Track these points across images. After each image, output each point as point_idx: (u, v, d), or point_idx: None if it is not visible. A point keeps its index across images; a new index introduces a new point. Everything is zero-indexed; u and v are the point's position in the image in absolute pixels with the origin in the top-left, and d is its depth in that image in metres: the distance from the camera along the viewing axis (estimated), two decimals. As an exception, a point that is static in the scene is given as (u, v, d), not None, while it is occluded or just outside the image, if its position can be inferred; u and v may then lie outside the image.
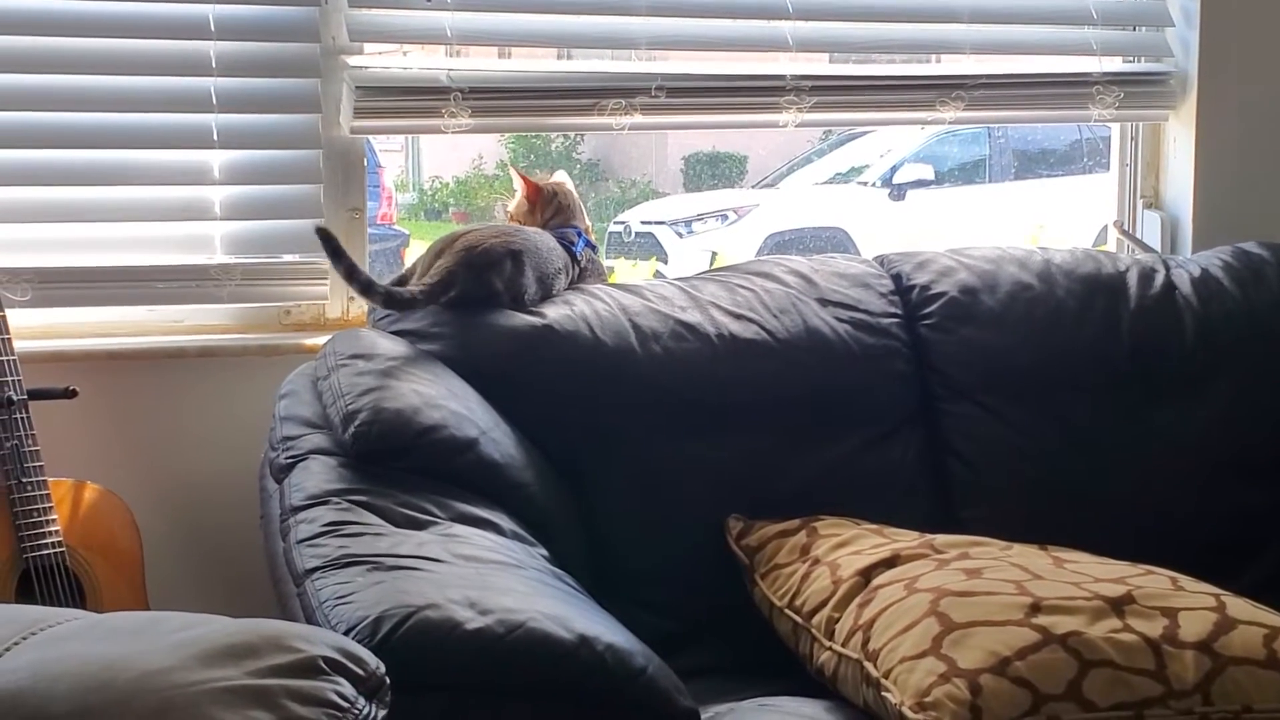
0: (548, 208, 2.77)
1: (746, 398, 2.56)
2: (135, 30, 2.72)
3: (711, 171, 6.47)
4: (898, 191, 6.20)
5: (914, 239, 2.90)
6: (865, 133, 6.31)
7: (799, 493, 2.50)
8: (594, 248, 2.79)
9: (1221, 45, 3.18)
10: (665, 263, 5.73)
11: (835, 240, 5.82)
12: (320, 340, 2.61)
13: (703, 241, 5.95)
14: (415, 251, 2.66)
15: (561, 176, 2.85)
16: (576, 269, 2.70)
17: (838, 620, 2.13)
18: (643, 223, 6.12)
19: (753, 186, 6.42)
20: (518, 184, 2.81)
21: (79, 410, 2.62)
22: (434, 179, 6.34)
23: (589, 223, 2.82)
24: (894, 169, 6.26)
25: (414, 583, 1.89)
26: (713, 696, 2.14)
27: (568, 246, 2.69)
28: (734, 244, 5.72)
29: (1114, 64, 3.20)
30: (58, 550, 2.48)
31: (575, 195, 2.81)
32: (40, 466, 2.49)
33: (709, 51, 3.09)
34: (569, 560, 2.22)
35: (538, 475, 2.36)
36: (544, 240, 2.65)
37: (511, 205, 2.82)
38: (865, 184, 6.33)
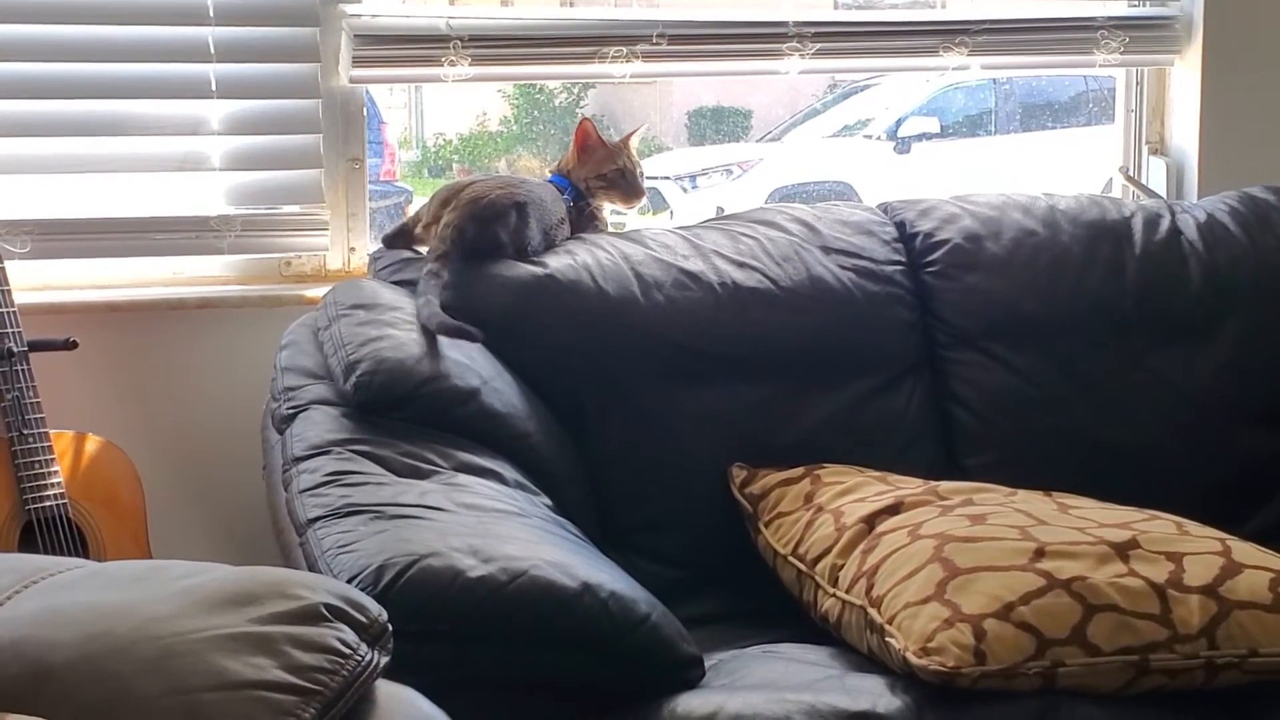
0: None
1: (749, 346, 2.54)
2: (131, -20, 2.70)
3: (716, 126, 6.42)
4: (903, 144, 6.15)
5: (920, 192, 2.88)
6: (870, 85, 6.25)
7: (802, 441, 2.50)
8: (584, 197, 2.74)
9: (1227, -12, 3.16)
10: (671, 218, 5.70)
11: (840, 194, 5.77)
12: (321, 291, 2.60)
13: (707, 196, 5.92)
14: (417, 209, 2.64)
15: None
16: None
17: (841, 567, 2.12)
18: (647, 177, 6.08)
19: (757, 141, 6.38)
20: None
21: (80, 362, 2.61)
22: (438, 136, 6.29)
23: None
24: (899, 122, 6.20)
25: (417, 531, 1.89)
26: (716, 644, 2.14)
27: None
28: (739, 198, 5.68)
29: (1119, 8, 3.18)
30: (60, 502, 2.48)
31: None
32: (41, 418, 2.49)
33: (711, -2, 3.07)
34: (572, 509, 2.22)
35: (540, 425, 2.35)
36: (547, 191, 2.64)
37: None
38: (870, 137, 6.28)
